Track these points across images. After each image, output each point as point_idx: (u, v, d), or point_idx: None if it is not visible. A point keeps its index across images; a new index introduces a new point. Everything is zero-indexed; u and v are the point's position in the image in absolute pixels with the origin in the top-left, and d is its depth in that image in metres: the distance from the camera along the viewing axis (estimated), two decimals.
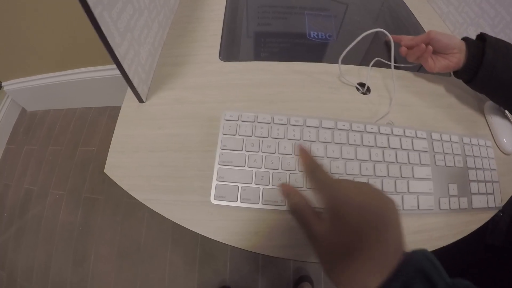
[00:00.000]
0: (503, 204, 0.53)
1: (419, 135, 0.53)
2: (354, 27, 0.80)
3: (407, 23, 0.84)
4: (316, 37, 0.73)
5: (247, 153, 0.46)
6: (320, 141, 0.49)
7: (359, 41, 0.58)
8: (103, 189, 1.38)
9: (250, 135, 0.48)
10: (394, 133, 0.52)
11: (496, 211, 0.52)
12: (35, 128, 1.59)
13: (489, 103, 0.63)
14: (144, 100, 0.55)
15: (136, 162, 0.49)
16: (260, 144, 0.47)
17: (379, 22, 0.85)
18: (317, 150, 0.48)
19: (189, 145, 0.50)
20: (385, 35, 0.61)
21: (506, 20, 0.66)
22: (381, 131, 0.51)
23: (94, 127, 1.57)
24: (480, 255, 0.59)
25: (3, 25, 1.16)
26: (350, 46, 0.58)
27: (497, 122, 0.60)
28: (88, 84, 1.45)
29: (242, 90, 0.57)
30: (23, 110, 1.64)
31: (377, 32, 0.60)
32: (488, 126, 0.61)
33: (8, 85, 1.49)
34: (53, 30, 1.18)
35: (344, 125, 0.50)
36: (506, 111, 0.61)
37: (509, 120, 0.61)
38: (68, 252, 1.26)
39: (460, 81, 0.62)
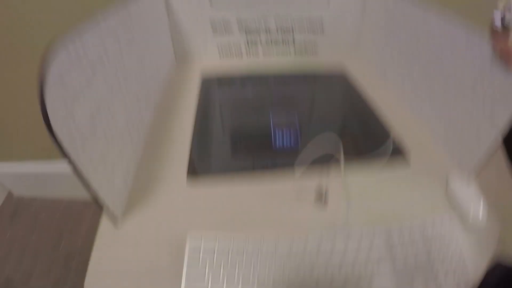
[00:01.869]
0: (475, 284, 0.53)
1: (376, 239, 0.55)
2: (316, 128, 0.88)
3: (366, 113, 0.92)
4: (281, 144, 0.80)
5: (209, 285, 0.50)
6: (279, 265, 0.52)
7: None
8: None
9: (212, 266, 0.51)
10: (350, 243, 0.54)
11: None
12: (21, 213, 1.61)
13: (452, 180, 0.65)
14: (118, 224, 0.59)
15: (112, 286, 0.52)
16: (222, 275, 0.51)
17: (338, 115, 0.94)
18: (277, 275, 0.51)
19: (158, 272, 0.53)
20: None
21: (455, 90, 0.70)
22: (337, 246, 0.54)
23: (80, 220, 1.60)
24: None
25: None
26: (307, 164, 0.64)
27: (461, 197, 0.62)
28: (74, 177, 1.50)
29: (206, 214, 0.61)
30: (10, 194, 1.67)
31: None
32: (453, 204, 0.63)
33: None
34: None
35: (298, 246, 0.53)
36: (470, 184, 0.64)
37: (474, 194, 0.62)
38: None
39: (420, 165, 0.68)
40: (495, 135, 0.61)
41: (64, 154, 0.43)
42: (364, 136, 0.86)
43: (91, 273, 0.54)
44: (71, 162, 0.45)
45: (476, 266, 0.56)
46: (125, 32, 0.67)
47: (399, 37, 0.93)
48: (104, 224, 0.59)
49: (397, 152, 0.77)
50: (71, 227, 1.57)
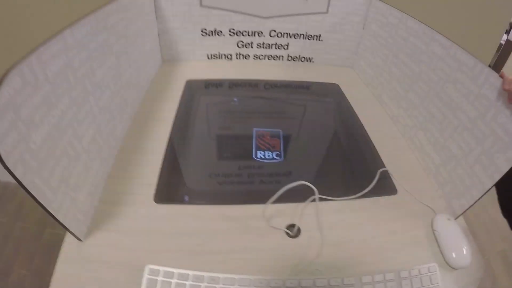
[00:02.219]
0: None
1: (346, 282, 0.53)
2: (301, 143, 0.86)
3: (356, 135, 0.89)
4: (263, 157, 0.78)
5: None
6: None
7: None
8: None
9: None
10: (316, 285, 0.53)
11: None
12: (6, 200, 1.62)
13: (437, 217, 0.65)
14: (82, 239, 0.59)
15: None
16: None
17: (326, 137, 0.91)
18: None
19: None
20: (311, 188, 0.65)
21: (453, 124, 0.68)
22: (302, 285, 0.53)
23: None
24: None
25: None
26: (275, 196, 0.61)
27: (445, 237, 0.61)
28: None
29: (171, 239, 0.60)
30: None
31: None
32: (437, 242, 0.62)
33: None
34: None
35: (261, 283, 0.52)
36: (457, 221, 0.63)
37: (459, 231, 0.61)
38: None
39: (407, 198, 0.66)
40: (490, 176, 0.60)
41: (16, 179, 0.42)
42: (352, 159, 0.85)
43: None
44: (23, 187, 0.44)
45: None
46: (98, 41, 0.65)
47: (399, 56, 0.90)
48: (69, 237, 0.59)
49: (384, 181, 0.75)
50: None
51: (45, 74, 0.48)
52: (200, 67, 1.13)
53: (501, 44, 2.42)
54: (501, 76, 0.57)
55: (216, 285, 0.52)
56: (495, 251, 1.60)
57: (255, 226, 0.64)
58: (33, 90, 0.45)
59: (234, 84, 1.08)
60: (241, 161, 0.78)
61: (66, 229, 0.55)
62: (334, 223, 0.65)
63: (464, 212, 0.66)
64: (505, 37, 2.42)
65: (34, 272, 1.39)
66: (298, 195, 0.68)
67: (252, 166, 0.77)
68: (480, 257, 0.62)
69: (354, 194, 0.70)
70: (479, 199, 0.62)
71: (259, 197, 0.65)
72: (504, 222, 0.70)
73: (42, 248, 1.47)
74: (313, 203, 0.67)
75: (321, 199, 0.66)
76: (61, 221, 0.52)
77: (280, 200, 0.62)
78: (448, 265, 0.59)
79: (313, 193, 0.65)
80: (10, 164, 0.40)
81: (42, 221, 1.55)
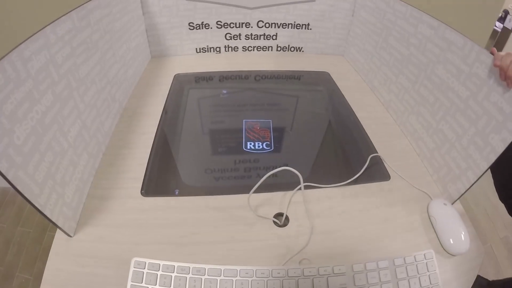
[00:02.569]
0: None
1: (336, 271, 0.52)
2: (292, 132, 0.86)
3: (347, 122, 0.90)
4: (253, 148, 0.78)
5: None
6: None
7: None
8: None
9: (154, 284, 0.51)
10: (305, 274, 0.52)
11: None
12: (6, 205, 1.64)
13: (433, 202, 0.64)
14: (72, 235, 0.59)
15: None
16: None
17: (317, 125, 0.91)
18: None
19: (107, 287, 0.53)
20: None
21: (445, 106, 0.68)
22: (289, 274, 0.52)
23: None
24: None
25: None
26: (258, 184, 0.61)
27: (442, 222, 0.60)
28: None
29: (158, 231, 0.60)
30: None
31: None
32: (433, 228, 0.61)
33: None
34: None
35: (247, 273, 0.52)
36: (454, 206, 0.62)
37: (456, 217, 0.60)
38: None
39: (400, 183, 0.65)
40: (485, 157, 0.58)
41: (1, 174, 0.43)
42: (343, 147, 0.85)
43: (45, 283, 0.55)
44: (8, 181, 0.44)
45: None
46: (81, 37, 0.65)
47: (388, 40, 0.89)
48: (59, 233, 0.59)
49: (377, 167, 0.74)
50: None
51: (27, 71, 0.49)
52: (189, 61, 1.13)
53: (497, 31, 2.41)
54: (492, 53, 0.56)
55: (202, 276, 0.52)
56: (498, 238, 1.59)
57: (242, 216, 0.63)
58: (15, 86, 0.46)
59: (224, 77, 1.08)
60: (230, 153, 0.79)
61: (54, 224, 0.55)
62: (324, 211, 0.64)
63: (461, 196, 0.64)
64: (500, 25, 2.42)
65: (36, 276, 1.41)
66: (286, 184, 0.67)
67: (241, 157, 0.77)
68: (480, 243, 0.61)
69: (345, 181, 0.69)
70: (475, 182, 0.60)
71: (247, 187, 0.63)
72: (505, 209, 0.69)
73: (44, 251, 1.48)
74: (302, 191, 0.66)
75: (309, 187, 0.66)
76: (48, 216, 0.53)
77: (267, 189, 0.62)
78: (445, 252, 0.58)
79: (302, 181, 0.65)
80: None
81: (42, 225, 1.56)
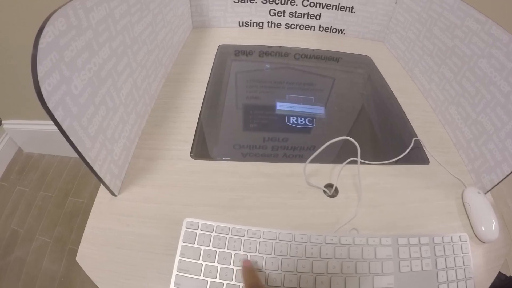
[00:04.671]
0: None
1: (383, 242, 0.54)
2: (333, 110, 0.86)
3: (388, 105, 0.89)
4: (295, 122, 0.78)
5: (204, 263, 0.50)
6: (275, 255, 0.52)
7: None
8: None
9: (208, 245, 0.51)
10: (355, 243, 0.54)
11: None
12: (29, 170, 1.67)
13: (468, 190, 0.66)
14: (116, 194, 0.60)
15: (104, 256, 0.53)
16: (216, 255, 0.51)
17: (358, 104, 0.91)
18: (271, 264, 0.51)
19: (153, 247, 0.54)
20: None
21: (486, 99, 0.69)
22: (342, 242, 0.53)
23: (86, 179, 1.66)
24: None
25: (8, 66, 1.28)
26: (317, 152, 0.61)
27: (475, 210, 0.62)
28: None
29: (208, 193, 0.61)
30: (20, 150, 1.73)
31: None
32: (467, 214, 0.63)
33: (8, 124, 1.60)
34: None
35: (302, 238, 0.53)
36: (487, 196, 0.63)
37: (488, 206, 0.62)
38: None
39: (438, 169, 0.67)
40: None
41: (55, 122, 0.43)
42: (385, 128, 0.85)
43: (86, 241, 0.55)
44: (62, 131, 0.44)
45: (483, 277, 0.57)
46: None
47: (432, 30, 0.88)
48: (102, 192, 0.60)
49: (417, 151, 0.75)
50: (76, 187, 1.63)
51: (89, 20, 0.49)
52: (231, 34, 1.13)
53: None
54: None
55: (257, 239, 0.53)
56: (508, 245, 1.57)
57: (292, 183, 0.65)
58: (76, 34, 0.46)
59: (265, 53, 1.07)
60: (274, 126, 0.79)
61: (101, 181, 0.55)
62: (370, 186, 0.66)
63: (493, 187, 0.66)
64: None
65: (56, 240, 1.44)
66: (335, 156, 0.70)
67: (285, 131, 0.77)
68: (507, 234, 0.61)
69: (388, 160, 0.71)
70: (509, 174, 0.62)
71: (294, 158, 0.69)
72: None
73: (65, 216, 1.52)
74: (350, 165, 0.68)
75: (355, 162, 0.66)
76: (97, 171, 0.53)
77: (317, 160, 0.63)
78: (476, 238, 0.60)
79: (349, 156, 0.67)
80: (51, 105, 0.41)
81: (64, 190, 1.59)
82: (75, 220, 1.50)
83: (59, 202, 1.56)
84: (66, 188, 1.61)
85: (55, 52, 0.41)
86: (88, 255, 0.53)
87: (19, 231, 1.47)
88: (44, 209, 1.53)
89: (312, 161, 0.63)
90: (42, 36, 0.38)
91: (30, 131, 1.59)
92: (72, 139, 0.46)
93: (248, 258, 0.51)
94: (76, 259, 0.53)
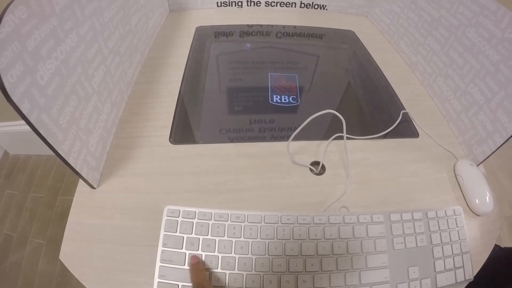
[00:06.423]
0: (474, 274, 0.54)
1: (375, 220, 0.53)
2: (318, 87, 0.85)
3: (375, 79, 0.89)
4: (279, 101, 0.77)
5: (187, 252, 0.49)
6: (261, 238, 0.50)
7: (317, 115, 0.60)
8: None
9: (190, 233, 0.50)
10: (345, 222, 0.52)
11: (466, 284, 0.53)
12: (17, 172, 1.65)
13: (460, 162, 0.65)
14: (95, 187, 0.58)
15: (87, 252, 0.52)
16: (200, 242, 0.49)
17: (344, 80, 0.90)
18: (258, 248, 0.50)
19: (135, 239, 0.53)
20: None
21: (475, 69, 0.68)
22: (331, 221, 0.52)
23: (75, 176, 1.62)
24: None
25: None
26: (299, 128, 0.60)
27: (469, 182, 0.62)
28: None
29: (190, 179, 0.60)
30: (6, 153, 1.70)
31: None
32: (460, 187, 0.63)
33: None
34: None
35: (288, 219, 0.52)
36: (479, 168, 0.63)
37: (482, 178, 0.62)
38: None
39: (428, 142, 0.67)
40: None
41: (21, 116, 0.41)
42: (372, 102, 0.84)
43: (68, 238, 0.54)
44: (30, 125, 0.43)
45: (479, 251, 0.56)
46: None
47: (417, 2, 0.87)
48: (81, 186, 0.58)
49: (406, 124, 0.75)
50: (65, 185, 1.62)
51: (52, 7, 0.47)
52: (209, 15, 1.10)
53: None
54: None
55: (242, 223, 0.51)
56: (503, 217, 1.61)
57: (276, 162, 0.64)
58: (39, 22, 0.44)
59: (245, 33, 1.04)
60: (257, 105, 0.78)
61: (78, 174, 0.54)
62: (358, 161, 0.65)
63: (486, 159, 0.66)
64: None
65: (49, 240, 1.44)
66: (320, 133, 0.69)
67: (268, 109, 0.76)
68: (501, 206, 0.62)
69: (376, 134, 0.70)
70: (501, 145, 0.62)
71: (277, 137, 0.69)
72: None
73: (56, 216, 1.51)
74: (337, 141, 0.68)
75: (341, 137, 0.66)
76: (72, 165, 0.51)
77: (301, 137, 0.61)
78: (470, 211, 0.60)
79: (336, 132, 0.67)
80: (16, 98, 0.39)
81: (53, 190, 1.59)
82: (66, 219, 1.48)
83: (49, 202, 1.55)
84: (55, 187, 1.60)
85: (17, 42, 0.39)
86: (71, 253, 0.52)
87: (12, 236, 1.46)
88: (35, 211, 1.52)
89: (297, 139, 0.61)
90: (1, 25, 0.36)
91: (14, 133, 1.56)
92: (41, 132, 0.44)
93: (237, 243, 0.50)
94: (60, 257, 0.51)
